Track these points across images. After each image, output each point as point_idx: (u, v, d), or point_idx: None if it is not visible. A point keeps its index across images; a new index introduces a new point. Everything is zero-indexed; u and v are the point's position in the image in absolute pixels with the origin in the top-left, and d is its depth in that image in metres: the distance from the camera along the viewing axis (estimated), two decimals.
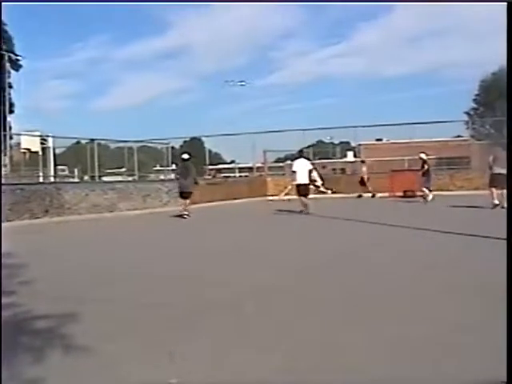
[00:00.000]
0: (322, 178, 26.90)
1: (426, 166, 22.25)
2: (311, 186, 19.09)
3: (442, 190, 25.51)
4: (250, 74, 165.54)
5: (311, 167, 17.84)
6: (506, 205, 13.94)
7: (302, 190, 17.28)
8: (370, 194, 27.13)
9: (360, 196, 27.30)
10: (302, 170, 17.33)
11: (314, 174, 26.39)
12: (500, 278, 4.91)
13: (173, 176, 27.16)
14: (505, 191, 14.45)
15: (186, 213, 17.36)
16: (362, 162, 29.69)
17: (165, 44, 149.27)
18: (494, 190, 16.35)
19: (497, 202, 16.07)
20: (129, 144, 27.48)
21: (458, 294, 5.73)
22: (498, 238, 8.35)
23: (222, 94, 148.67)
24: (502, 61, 6.73)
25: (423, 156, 22.70)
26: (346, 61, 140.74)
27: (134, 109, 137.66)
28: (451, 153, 32.81)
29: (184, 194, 17.68)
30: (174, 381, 3.54)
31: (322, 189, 26.35)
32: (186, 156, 18.13)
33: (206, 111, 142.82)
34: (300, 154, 18.55)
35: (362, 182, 27.72)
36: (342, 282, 6.64)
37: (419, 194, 22.07)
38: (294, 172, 17.47)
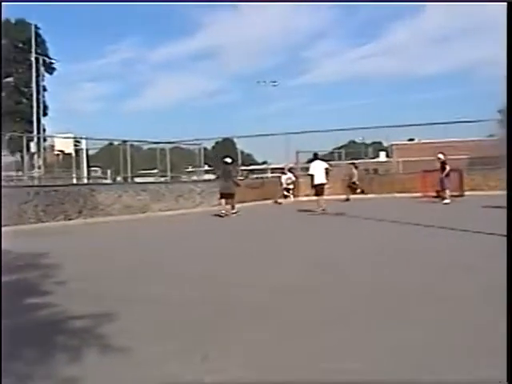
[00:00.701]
0: (293, 183, 28.17)
1: (447, 167, 21.80)
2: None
3: (475, 190, 25.09)
4: (282, 74, 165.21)
5: (327, 166, 18.52)
6: None
7: (317, 189, 18.11)
8: (352, 197, 26.12)
9: (347, 199, 26.00)
10: (318, 171, 18.18)
11: (291, 177, 27.24)
12: None
13: (205, 177, 27.44)
14: None
15: (233, 211, 18.31)
16: (353, 164, 29.40)
17: (197, 45, 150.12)
18: None
19: None
20: (161, 145, 27.68)
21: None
22: None
23: (255, 95, 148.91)
24: None
25: (441, 156, 22.16)
26: (378, 60, 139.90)
27: (166, 110, 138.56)
28: (484, 152, 32.19)
29: (224, 195, 18.46)
30: (208, 380, 3.57)
31: (286, 193, 27.32)
32: (228, 160, 19.22)
33: (239, 112, 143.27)
34: (315, 157, 19.24)
35: (352, 185, 27.18)
36: (376, 281, 6.59)
37: (449, 194, 21.58)
38: (311, 175, 18.32)
